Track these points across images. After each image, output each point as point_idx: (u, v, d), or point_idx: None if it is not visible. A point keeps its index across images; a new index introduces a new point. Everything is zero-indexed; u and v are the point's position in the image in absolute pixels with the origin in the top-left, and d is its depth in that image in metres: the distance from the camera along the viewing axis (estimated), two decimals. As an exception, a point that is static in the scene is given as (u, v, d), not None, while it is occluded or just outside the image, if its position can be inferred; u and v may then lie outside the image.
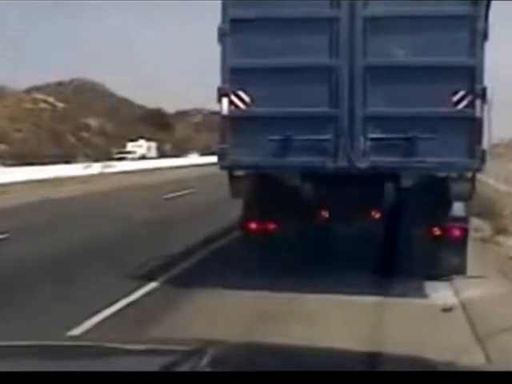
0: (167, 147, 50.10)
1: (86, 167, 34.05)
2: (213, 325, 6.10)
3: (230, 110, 7.71)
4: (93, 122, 52.36)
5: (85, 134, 49.49)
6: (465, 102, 7.32)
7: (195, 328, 6.01)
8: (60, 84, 57.00)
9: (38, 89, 54.79)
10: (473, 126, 7.35)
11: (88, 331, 6.00)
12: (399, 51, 7.44)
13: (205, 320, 6.46)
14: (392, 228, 7.50)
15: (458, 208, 8.09)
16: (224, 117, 7.78)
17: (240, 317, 6.59)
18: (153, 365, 1.72)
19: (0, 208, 17.63)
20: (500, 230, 11.55)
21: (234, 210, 8.94)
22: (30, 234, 12.45)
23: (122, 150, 47.93)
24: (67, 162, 35.60)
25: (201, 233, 11.83)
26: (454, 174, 7.72)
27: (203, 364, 1.74)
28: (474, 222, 10.88)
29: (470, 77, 7.29)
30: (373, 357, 1.91)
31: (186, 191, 21.60)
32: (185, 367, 1.66)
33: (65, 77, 58.24)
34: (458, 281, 7.91)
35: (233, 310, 6.89)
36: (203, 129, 53.05)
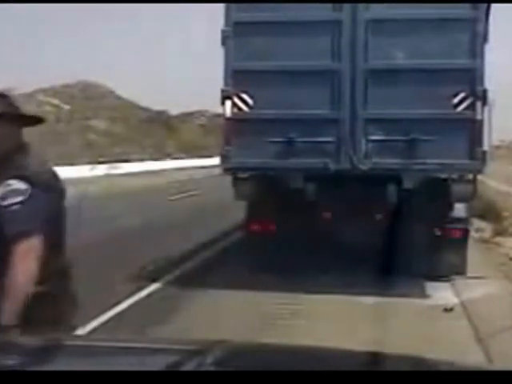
0: (172, 149, 50.03)
1: (91, 169, 33.98)
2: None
3: (233, 113, 7.75)
4: (98, 123, 52.24)
5: (90, 136, 49.41)
6: (465, 104, 7.36)
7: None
8: (66, 86, 56.71)
9: (43, 91, 54.60)
10: (473, 128, 7.39)
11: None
12: (400, 54, 7.48)
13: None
14: (393, 229, 7.53)
15: (459, 209, 8.13)
16: (227, 119, 7.82)
17: (241, 316, 6.64)
18: (155, 364, 1.71)
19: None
20: (500, 231, 11.58)
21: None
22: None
23: None
24: (72, 163, 35.57)
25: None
26: (454, 176, 7.76)
27: (206, 364, 1.73)
28: (475, 222, 10.91)
29: (471, 79, 7.34)
30: (373, 357, 1.92)
31: (191, 192, 21.65)
32: (188, 367, 1.65)
33: (70, 79, 57.85)
34: (459, 281, 7.95)
35: (234, 310, 6.94)
36: (208, 131, 52.78)
